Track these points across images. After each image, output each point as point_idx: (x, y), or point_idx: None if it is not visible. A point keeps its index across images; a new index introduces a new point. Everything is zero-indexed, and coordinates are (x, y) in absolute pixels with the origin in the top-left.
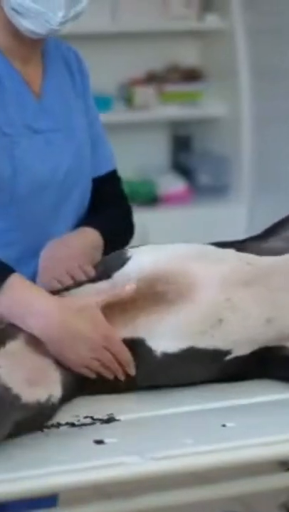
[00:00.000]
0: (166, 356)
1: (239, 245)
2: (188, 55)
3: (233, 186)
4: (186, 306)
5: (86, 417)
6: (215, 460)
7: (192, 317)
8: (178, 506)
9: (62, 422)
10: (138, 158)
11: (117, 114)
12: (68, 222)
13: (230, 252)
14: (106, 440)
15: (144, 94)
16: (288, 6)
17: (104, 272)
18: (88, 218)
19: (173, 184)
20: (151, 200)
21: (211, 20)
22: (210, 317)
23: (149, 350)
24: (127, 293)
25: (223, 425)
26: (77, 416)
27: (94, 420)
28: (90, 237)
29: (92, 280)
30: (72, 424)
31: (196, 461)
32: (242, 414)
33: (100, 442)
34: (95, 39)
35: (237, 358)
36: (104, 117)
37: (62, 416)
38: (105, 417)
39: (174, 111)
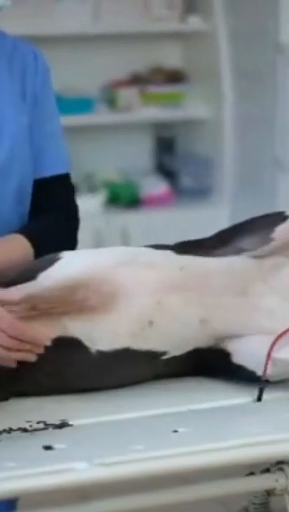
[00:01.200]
0: (102, 355)
1: (181, 247)
2: (171, 57)
3: (216, 188)
4: (112, 312)
5: (39, 422)
6: (165, 465)
7: (120, 321)
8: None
9: (14, 427)
10: (121, 160)
11: (100, 116)
12: (4, 218)
13: (167, 254)
14: (55, 446)
15: (127, 95)
16: (271, 7)
17: (31, 272)
18: (28, 222)
19: (155, 186)
20: (133, 202)
21: (194, 22)
22: (138, 320)
23: (84, 349)
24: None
25: (175, 431)
26: (29, 421)
27: (46, 425)
28: (14, 249)
29: (19, 280)
30: (25, 430)
31: (145, 466)
32: (194, 419)
33: (48, 448)
34: (76, 40)
35: (174, 358)
36: (85, 119)
37: (15, 421)
38: (58, 422)
39: (157, 112)
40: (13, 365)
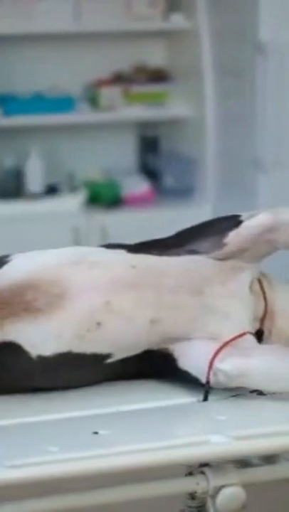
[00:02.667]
0: (43, 359)
1: (135, 247)
2: (154, 56)
3: (198, 188)
4: (58, 314)
5: None
6: (80, 467)
7: (66, 323)
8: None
9: None
10: (104, 160)
11: (82, 115)
12: None
13: (119, 253)
14: None
15: (110, 94)
16: (250, 5)
17: None
18: None
19: (137, 186)
20: (114, 201)
21: (177, 20)
22: (86, 322)
23: (23, 354)
24: None
25: (95, 432)
26: None
27: None
28: None
29: None
30: None
31: (58, 468)
32: (121, 421)
33: None
34: (58, 39)
35: (120, 361)
36: (67, 118)
37: None
38: None
39: (140, 112)
40: None
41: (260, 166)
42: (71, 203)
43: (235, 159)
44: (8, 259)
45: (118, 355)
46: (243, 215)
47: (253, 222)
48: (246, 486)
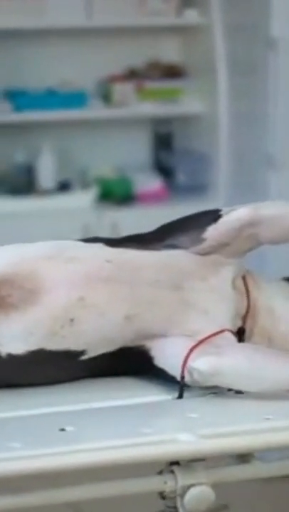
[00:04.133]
0: (13, 358)
1: (114, 241)
2: (168, 51)
3: (211, 185)
4: (31, 310)
5: None
6: (41, 465)
7: (39, 319)
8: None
9: None
10: (117, 157)
11: (94, 111)
12: None
13: (96, 247)
14: None
15: (123, 90)
16: (265, 2)
17: None
18: None
19: (149, 182)
20: (126, 198)
21: (190, 16)
22: (59, 318)
23: None
24: None
25: (62, 429)
26: None
27: None
28: None
29: None
30: None
31: (18, 465)
32: (90, 418)
33: None
34: (71, 35)
35: (94, 358)
36: (80, 114)
37: None
38: None
39: (153, 108)
40: None
41: (272, 164)
42: (83, 199)
43: (247, 156)
44: None
45: (92, 352)
46: (223, 210)
47: (232, 217)
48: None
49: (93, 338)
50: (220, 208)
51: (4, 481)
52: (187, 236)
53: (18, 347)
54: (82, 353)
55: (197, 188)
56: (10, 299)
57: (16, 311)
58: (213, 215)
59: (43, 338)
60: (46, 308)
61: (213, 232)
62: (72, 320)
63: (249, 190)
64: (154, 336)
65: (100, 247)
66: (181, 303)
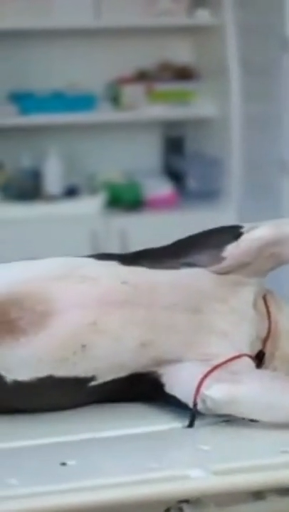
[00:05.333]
0: (19, 384)
1: (129, 258)
2: (179, 52)
3: (223, 190)
4: (41, 334)
5: None
6: (39, 504)
7: (49, 345)
8: None
9: None
10: (126, 161)
11: (103, 114)
12: None
13: (110, 265)
14: None
15: (133, 92)
16: (279, 2)
17: None
18: None
19: (159, 187)
20: (135, 204)
21: (202, 16)
22: (71, 344)
23: None
24: None
25: (63, 463)
26: None
27: None
28: None
29: None
30: None
31: (14, 505)
32: (93, 450)
33: None
34: (79, 35)
35: (104, 384)
36: (88, 117)
37: None
38: None
39: (164, 111)
40: None
41: (286, 168)
42: (90, 205)
43: (260, 161)
44: None
45: (102, 378)
46: (245, 227)
47: (254, 235)
48: None
49: (104, 364)
50: (240, 224)
51: None
52: (206, 254)
53: (26, 373)
54: (91, 379)
55: (209, 194)
56: (21, 323)
57: (25, 336)
58: (234, 233)
59: (53, 364)
60: (57, 333)
61: (233, 251)
62: (84, 346)
63: (262, 195)
64: (168, 362)
65: (113, 266)
66: (199, 326)
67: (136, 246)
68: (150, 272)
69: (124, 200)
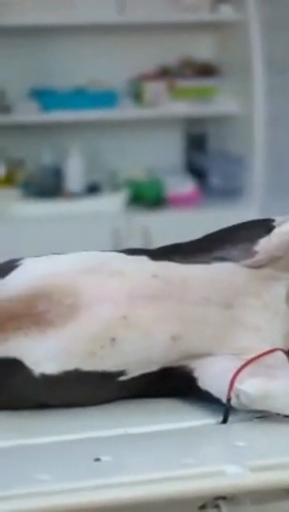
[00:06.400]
0: (46, 378)
1: (158, 252)
2: (202, 49)
3: (246, 188)
4: (69, 327)
5: None
6: (73, 500)
7: (78, 337)
8: None
9: None
10: (148, 158)
11: (125, 111)
12: None
13: (140, 260)
14: None
15: (155, 89)
16: None
17: None
18: None
19: (182, 185)
20: (157, 201)
21: (225, 12)
22: (99, 337)
23: (25, 371)
24: None
25: (97, 459)
26: None
27: None
28: None
29: None
30: None
31: (47, 501)
32: (127, 445)
33: None
34: (101, 31)
35: (133, 379)
36: (110, 113)
37: None
38: None
39: (186, 107)
40: None
41: None
42: (112, 202)
43: (283, 159)
44: (18, 263)
45: (132, 372)
46: (277, 220)
47: (285, 228)
48: None
49: (134, 359)
50: (272, 217)
51: None
52: (237, 248)
53: (53, 367)
54: (121, 373)
55: (231, 192)
56: (48, 315)
57: (53, 328)
58: (266, 227)
59: (80, 357)
60: (85, 326)
61: (265, 245)
62: (113, 339)
63: (285, 193)
64: (199, 356)
65: (143, 260)
66: (231, 321)
67: (158, 243)
68: (181, 266)
69: (146, 197)
